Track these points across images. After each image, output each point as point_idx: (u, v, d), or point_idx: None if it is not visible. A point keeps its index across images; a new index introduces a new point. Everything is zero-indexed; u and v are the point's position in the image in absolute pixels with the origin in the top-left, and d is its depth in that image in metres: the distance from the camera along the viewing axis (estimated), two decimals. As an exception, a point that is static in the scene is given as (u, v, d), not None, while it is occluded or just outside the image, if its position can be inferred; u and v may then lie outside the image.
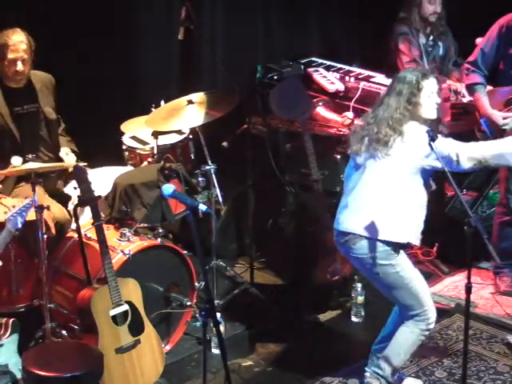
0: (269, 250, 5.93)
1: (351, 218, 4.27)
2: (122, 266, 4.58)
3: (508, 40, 5.28)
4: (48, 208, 4.53)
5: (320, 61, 6.20)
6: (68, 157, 5.18)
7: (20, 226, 4.15)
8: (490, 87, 5.46)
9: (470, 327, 4.81)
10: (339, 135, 5.42)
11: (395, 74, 4.44)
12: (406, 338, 4.38)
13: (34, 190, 4.52)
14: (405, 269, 4.29)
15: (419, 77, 4.31)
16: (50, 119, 5.20)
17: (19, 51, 4.93)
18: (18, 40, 4.93)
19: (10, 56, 4.93)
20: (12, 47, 4.92)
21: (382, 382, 4.44)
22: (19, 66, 4.95)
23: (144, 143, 5.57)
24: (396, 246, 4.24)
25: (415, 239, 4.30)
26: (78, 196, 4.41)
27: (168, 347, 4.92)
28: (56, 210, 4.86)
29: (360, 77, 5.97)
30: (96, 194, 4.45)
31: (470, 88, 5.45)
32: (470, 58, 5.46)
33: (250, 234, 5.61)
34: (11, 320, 4.01)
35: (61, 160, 5.14)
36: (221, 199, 5.27)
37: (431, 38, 6.22)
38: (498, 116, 5.31)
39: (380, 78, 5.97)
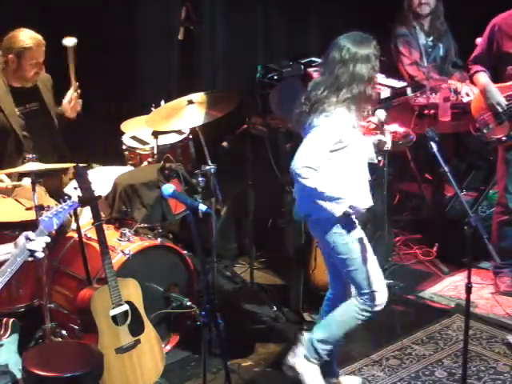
0: (269, 250, 5.93)
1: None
2: (121, 266, 4.58)
3: (501, 38, 5.30)
4: (48, 208, 4.53)
5: (320, 61, 6.18)
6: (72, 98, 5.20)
7: (55, 227, 3.75)
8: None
9: (470, 327, 4.80)
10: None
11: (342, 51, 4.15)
12: (342, 311, 4.39)
13: (34, 190, 4.53)
14: (355, 242, 4.27)
15: (374, 50, 4.18)
16: (51, 117, 5.21)
17: (41, 54, 4.97)
18: (41, 43, 4.96)
19: (32, 59, 4.95)
20: (35, 50, 4.94)
21: (310, 356, 4.44)
22: (42, 69, 4.98)
23: (144, 143, 5.56)
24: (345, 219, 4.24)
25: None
26: (78, 196, 4.41)
27: (168, 347, 4.91)
28: (56, 210, 4.86)
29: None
30: (96, 193, 4.45)
31: (473, 77, 5.47)
32: (470, 57, 5.50)
33: (250, 234, 5.61)
34: (11, 320, 4.01)
35: (61, 159, 5.14)
36: (221, 199, 5.27)
37: (431, 38, 6.23)
38: (496, 90, 5.32)
39: (380, 77, 5.95)
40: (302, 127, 4.24)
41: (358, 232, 4.31)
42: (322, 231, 4.29)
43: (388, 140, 4.46)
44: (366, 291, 4.31)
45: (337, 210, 4.17)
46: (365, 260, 4.29)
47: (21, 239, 3.58)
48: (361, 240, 4.29)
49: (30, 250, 3.54)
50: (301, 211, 4.37)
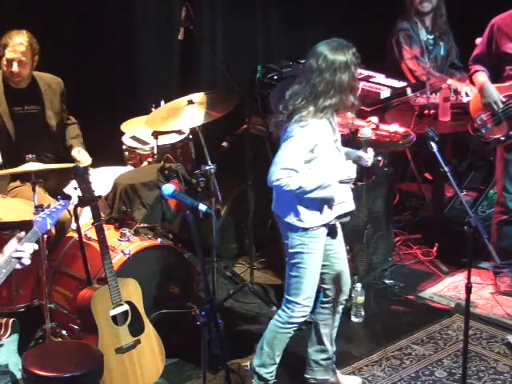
0: (269, 250, 5.93)
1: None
2: (121, 266, 4.58)
3: (500, 38, 5.31)
4: (41, 208, 4.52)
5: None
6: (80, 154, 5.21)
7: (49, 227, 3.79)
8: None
9: (470, 327, 4.81)
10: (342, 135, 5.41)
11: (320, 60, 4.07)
12: (268, 331, 4.42)
13: (34, 190, 4.54)
14: (311, 255, 4.24)
15: (353, 57, 4.07)
16: (49, 123, 5.21)
17: (16, 52, 4.97)
18: (18, 42, 4.97)
19: (8, 56, 5.00)
20: (10, 48, 4.98)
21: (253, 375, 4.47)
22: (14, 67, 4.99)
23: (144, 143, 5.57)
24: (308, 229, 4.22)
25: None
26: (78, 196, 4.41)
27: (168, 347, 4.91)
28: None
29: (360, 77, 5.96)
30: (96, 193, 4.45)
31: (472, 76, 5.48)
32: (470, 57, 5.51)
33: (250, 234, 5.61)
34: (11, 320, 4.01)
35: (61, 161, 5.14)
36: (221, 199, 5.27)
37: (432, 36, 6.24)
38: (493, 89, 5.32)
39: (380, 77, 5.98)
40: (281, 134, 4.17)
41: (319, 247, 4.27)
42: (287, 234, 4.26)
43: (370, 158, 4.34)
44: (292, 299, 4.31)
45: (329, 193, 4.13)
46: (310, 274, 4.28)
47: (9, 247, 3.57)
48: (317, 256, 4.27)
49: (17, 258, 3.53)
50: (274, 211, 4.35)
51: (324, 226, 4.25)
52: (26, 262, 3.57)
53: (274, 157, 4.10)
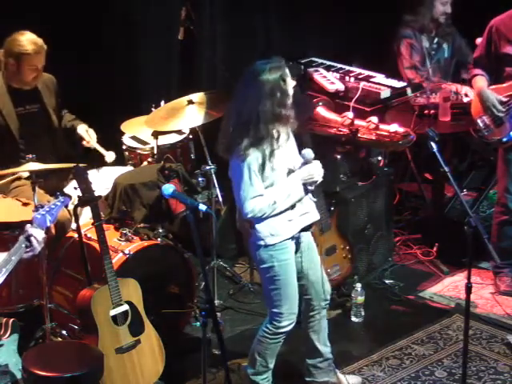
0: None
1: None
2: (121, 266, 4.58)
3: (499, 40, 5.31)
4: (41, 206, 4.52)
5: (320, 61, 6.19)
6: (88, 133, 5.22)
7: (49, 224, 3.76)
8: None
9: (470, 327, 4.81)
10: (339, 135, 5.42)
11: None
12: (258, 342, 4.41)
13: (34, 190, 4.53)
14: (282, 265, 4.24)
15: (280, 82, 4.04)
16: (51, 120, 5.22)
17: (40, 60, 4.98)
18: (38, 48, 4.95)
19: (31, 64, 4.96)
20: (33, 54, 4.94)
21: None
22: (37, 73, 4.98)
23: (144, 143, 5.57)
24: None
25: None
26: (78, 196, 4.41)
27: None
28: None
29: (360, 77, 5.97)
30: (96, 193, 4.45)
31: (471, 80, 5.49)
32: (471, 58, 5.52)
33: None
34: (11, 320, 4.01)
35: (61, 161, 5.14)
36: (221, 199, 5.27)
37: (435, 40, 6.23)
38: (490, 94, 5.32)
39: (380, 77, 5.98)
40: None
41: (289, 256, 4.25)
42: (255, 253, 4.25)
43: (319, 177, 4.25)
44: (275, 310, 4.30)
45: (298, 195, 4.15)
46: (286, 284, 4.27)
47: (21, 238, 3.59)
48: (289, 265, 4.26)
49: (28, 237, 3.55)
50: (240, 229, 4.38)
51: (289, 239, 4.24)
52: (36, 245, 3.58)
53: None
